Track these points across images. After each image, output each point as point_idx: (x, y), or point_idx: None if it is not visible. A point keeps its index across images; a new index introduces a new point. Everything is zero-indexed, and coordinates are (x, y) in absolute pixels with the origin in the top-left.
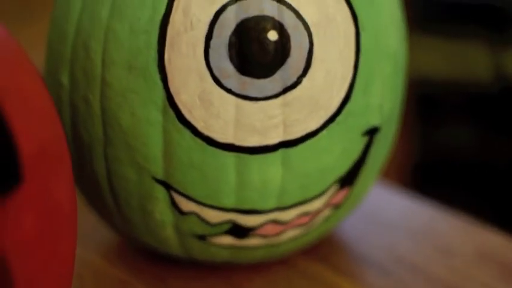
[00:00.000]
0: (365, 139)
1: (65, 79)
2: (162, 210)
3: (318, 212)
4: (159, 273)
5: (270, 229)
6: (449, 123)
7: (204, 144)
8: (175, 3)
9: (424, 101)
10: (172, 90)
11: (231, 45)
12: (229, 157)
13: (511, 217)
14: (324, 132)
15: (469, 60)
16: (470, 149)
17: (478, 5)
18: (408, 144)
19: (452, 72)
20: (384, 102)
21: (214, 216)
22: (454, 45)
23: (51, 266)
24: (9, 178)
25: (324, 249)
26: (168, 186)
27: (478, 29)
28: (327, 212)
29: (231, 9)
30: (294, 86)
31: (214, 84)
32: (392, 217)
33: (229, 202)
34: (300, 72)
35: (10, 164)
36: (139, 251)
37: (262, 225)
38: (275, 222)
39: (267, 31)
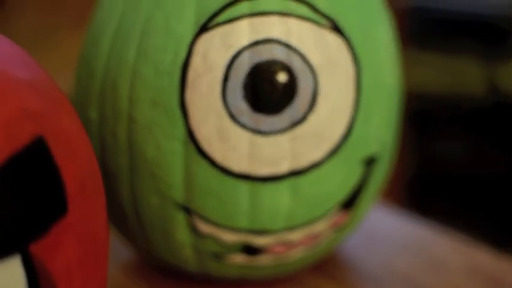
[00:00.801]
0: (364, 166)
1: (94, 114)
2: (182, 233)
3: (322, 233)
4: (173, 286)
5: (279, 248)
6: (444, 137)
7: (221, 174)
8: (195, 49)
9: (419, 115)
10: (192, 125)
11: (245, 85)
12: (244, 185)
13: (504, 226)
14: (328, 162)
15: (463, 75)
16: (464, 161)
17: (472, 21)
18: (403, 157)
19: (446, 87)
20: (382, 132)
21: (229, 237)
22: (448, 60)
23: (93, 285)
24: (57, 210)
25: (328, 265)
26: (188, 211)
27: (472, 44)
28: (330, 233)
29: (245, 54)
30: (301, 121)
31: (230, 120)
32: (388, 234)
33: (242, 224)
34: (306, 109)
35: (57, 198)
36: (157, 267)
37: (272, 244)
38: (283, 242)
39: (277, 73)
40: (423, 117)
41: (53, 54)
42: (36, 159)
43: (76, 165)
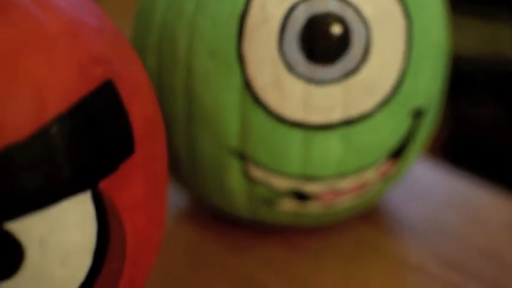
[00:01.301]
0: (412, 118)
1: (151, 63)
2: (236, 179)
3: (370, 181)
4: (227, 232)
5: (328, 195)
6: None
7: (276, 121)
8: (252, 1)
9: (456, 77)
10: (249, 75)
11: (300, 37)
12: (297, 133)
13: None
14: (378, 112)
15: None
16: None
17: None
18: (440, 118)
19: (483, 51)
20: (429, 86)
21: (281, 183)
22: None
23: (154, 223)
24: (125, 149)
25: (373, 216)
26: (242, 157)
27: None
28: (377, 182)
29: (301, 7)
30: (353, 72)
31: (285, 70)
32: (432, 188)
33: (294, 170)
34: (359, 60)
35: (126, 137)
36: (209, 213)
37: (322, 191)
38: (333, 189)
39: (331, 25)
40: (459, 80)
41: (110, 2)
42: (106, 100)
43: (142, 108)
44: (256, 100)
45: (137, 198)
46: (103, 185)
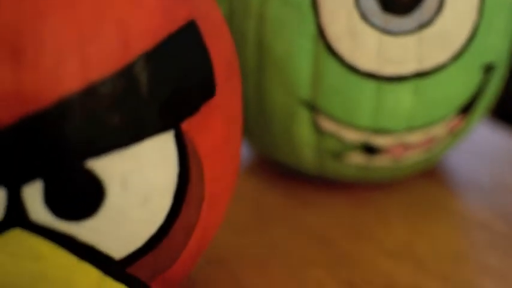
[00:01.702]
0: (483, 73)
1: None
2: (304, 131)
3: (438, 136)
4: (292, 187)
5: (397, 149)
6: None
7: (348, 71)
8: None
9: None
10: (323, 23)
11: None
12: (369, 84)
13: None
14: (451, 65)
15: None
16: None
17: None
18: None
19: None
20: (500, 42)
21: (350, 135)
22: None
23: (230, 168)
24: (207, 91)
25: (437, 173)
26: (313, 108)
27: None
28: (445, 137)
29: None
30: (428, 24)
31: (360, 19)
32: (496, 147)
33: (365, 123)
34: (433, 12)
35: (208, 79)
36: (275, 166)
37: (391, 145)
38: (402, 143)
39: None
40: None
41: None
42: (190, 41)
43: (222, 51)
44: (329, 49)
45: (216, 142)
46: (185, 126)
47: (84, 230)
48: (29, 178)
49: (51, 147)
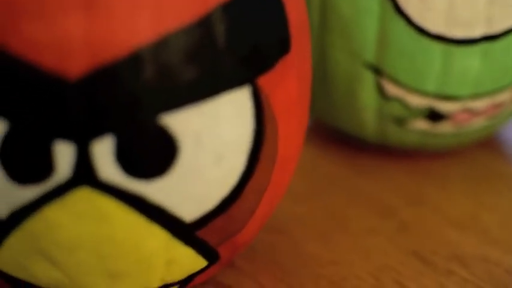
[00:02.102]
0: None
1: None
2: (368, 94)
3: (503, 103)
4: (352, 155)
5: (462, 116)
6: None
7: (416, 33)
8: None
9: None
10: None
11: None
12: (437, 46)
13: None
14: None
15: None
16: None
17: None
18: None
19: None
20: None
21: (415, 100)
22: None
23: (300, 128)
24: (283, 46)
25: (496, 143)
26: (377, 71)
27: None
28: (510, 104)
29: None
30: None
31: None
32: None
33: (431, 88)
34: None
35: (283, 34)
36: (330, 133)
37: (456, 111)
38: (467, 109)
39: None
40: None
41: None
42: None
43: (296, 8)
44: (397, 9)
45: (291, 99)
46: (261, 81)
47: (154, 190)
48: (99, 133)
49: (124, 101)
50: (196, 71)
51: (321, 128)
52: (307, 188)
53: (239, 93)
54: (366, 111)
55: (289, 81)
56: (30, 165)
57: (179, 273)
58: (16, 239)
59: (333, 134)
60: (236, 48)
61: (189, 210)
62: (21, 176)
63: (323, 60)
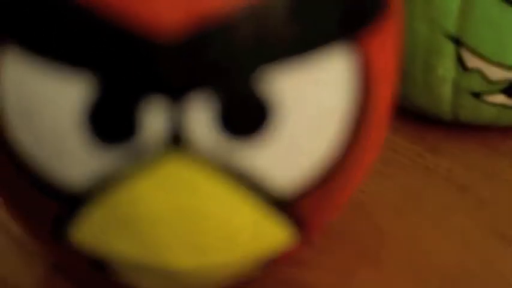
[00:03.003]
0: None
1: None
2: (446, 66)
3: None
4: (418, 130)
5: None
6: None
7: (503, 3)
8: None
9: None
10: None
11: None
12: None
13: None
14: None
15: None
16: None
17: None
18: None
19: None
20: None
21: (496, 73)
22: None
23: (391, 92)
24: (383, 6)
25: None
26: (458, 43)
27: None
28: None
29: None
30: None
31: None
32: None
33: None
34: None
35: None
36: (401, 109)
37: None
38: None
39: None
40: None
41: None
42: None
43: None
44: None
45: (388, 66)
46: (362, 46)
47: (248, 157)
48: (195, 94)
49: (222, 60)
50: (297, 28)
51: (396, 101)
52: (379, 165)
53: (340, 57)
54: (443, 83)
55: (388, 47)
56: (118, 125)
57: (264, 250)
58: (96, 211)
59: (403, 110)
60: (337, 5)
61: (282, 182)
62: (107, 136)
63: (402, 31)
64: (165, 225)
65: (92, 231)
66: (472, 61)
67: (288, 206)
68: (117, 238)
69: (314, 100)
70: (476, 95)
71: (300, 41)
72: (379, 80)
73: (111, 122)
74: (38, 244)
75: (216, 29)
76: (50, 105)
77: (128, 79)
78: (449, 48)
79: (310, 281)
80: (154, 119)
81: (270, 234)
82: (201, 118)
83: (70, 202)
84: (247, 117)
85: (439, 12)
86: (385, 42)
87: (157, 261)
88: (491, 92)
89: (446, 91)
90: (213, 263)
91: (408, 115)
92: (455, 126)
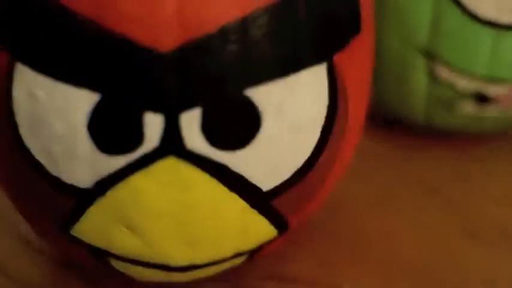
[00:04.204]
0: None
1: None
2: (418, 78)
3: None
4: (400, 137)
5: (508, 99)
6: None
7: (468, 19)
8: None
9: None
10: None
11: None
12: (488, 32)
13: None
14: None
15: None
16: None
17: None
18: None
19: None
20: None
21: (465, 84)
22: None
23: (363, 108)
24: (355, 27)
25: None
26: (429, 56)
27: None
28: None
29: None
30: None
31: None
32: None
33: (480, 71)
34: None
35: (356, 16)
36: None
37: (503, 94)
38: None
39: None
40: None
41: None
42: None
43: None
44: None
45: (362, 77)
46: (337, 59)
47: (236, 160)
48: (188, 105)
49: (212, 75)
50: (279, 47)
51: (372, 109)
52: (356, 167)
53: (317, 68)
54: (415, 95)
55: (361, 61)
56: (120, 136)
57: (250, 243)
58: (99, 207)
59: (384, 116)
60: (315, 26)
61: (266, 180)
62: (110, 147)
63: (375, 45)
64: (162, 220)
65: (95, 226)
66: (442, 73)
67: (269, 201)
68: (117, 233)
69: (295, 108)
70: (448, 105)
71: (283, 58)
72: (353, 91)
73: (112, 134)
74: (44, 240)
75: (206, 47)
76: (57, 117)
77: (127, 94)
78: (420, 61)
79: (291, 274)
80: (153, 130)
81: (255, 227)
82: (193, 128)
83: (77, 198)
84: (235, 126)
85: (411, 29)
86: (358, 60)
87: (155, 253)
88: (461, 102)
89: (418, 101)
90: (205, 256)
91: (383, 121)
92: (428, 132)
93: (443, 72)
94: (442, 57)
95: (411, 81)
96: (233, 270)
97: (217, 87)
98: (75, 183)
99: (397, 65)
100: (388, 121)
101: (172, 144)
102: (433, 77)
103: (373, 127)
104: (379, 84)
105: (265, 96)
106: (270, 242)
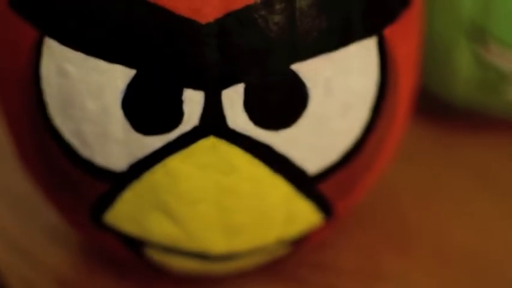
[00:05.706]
0: None
1: None
2: (466, 59)
3: None
4: (440, 122)
5: None
6: None
7: None
8: None
9: None
10: None
11: None
12: None
13: None
14: None
15: None
16: None
17: None
18: None
19: None
20: None
21: None
22: None
23: (414, 80)
24: (405, 2)
25: None
26: (479, 35)
27: None
28: None
29: None
30: None
31: None
32: None
33: None
34: None
35: None
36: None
37: None
38: None
39: None
40: None
41: None
42: None
43: None
44: None
45: (411, 55)
46: (387, 32)
47: (281, 140)
48: (230, 82)
49: (255, 49)
50: (327, 20)
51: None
52: (399, 152)
53: (367, 43)
54: (460, 77)
55: (411, 36)
56: (157, 115)
57: (294, 230)
58: (134, 192)
59: (423, 100)
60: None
61: (313, 162)
62: (146, 126)
63: (423, 22)
64: (201, 206)
65: (129, 212)
66: (493, 53)
67: (315, 185)
68: (153, 219)
69: (343, 85)
70: (494, 89)
71: (331, 32)
72: (403, 68)
73: (149, 113)
74: (74, 229)
75: (249, 19)
76: (89, 95)
77: (166, 70)
78: (467, 41)
79: (335, 264)
80: (192, 108)
81: (301, 213)
82: (236, 106)
83: (110, 183)
84: (280, 103)
85: (456, 2)
86: (408, 35)
87: (192, 241)
88: (508, 86)
89: (463, 84)
90: (246, 243)
91: (426, 103)
92: (475, 117)
93: (493, 53)
94: (493, 36)
95: (457, 61)
96: (274, 260)
97: (262, 61)
98: (108, 166)
99: (443, 44)
100: (429, 104)
101: (213, 123)
102: (482, 59)
103: (421, 111)
104: (423, 64)
105: (312, 71)
106: (314, 231)
